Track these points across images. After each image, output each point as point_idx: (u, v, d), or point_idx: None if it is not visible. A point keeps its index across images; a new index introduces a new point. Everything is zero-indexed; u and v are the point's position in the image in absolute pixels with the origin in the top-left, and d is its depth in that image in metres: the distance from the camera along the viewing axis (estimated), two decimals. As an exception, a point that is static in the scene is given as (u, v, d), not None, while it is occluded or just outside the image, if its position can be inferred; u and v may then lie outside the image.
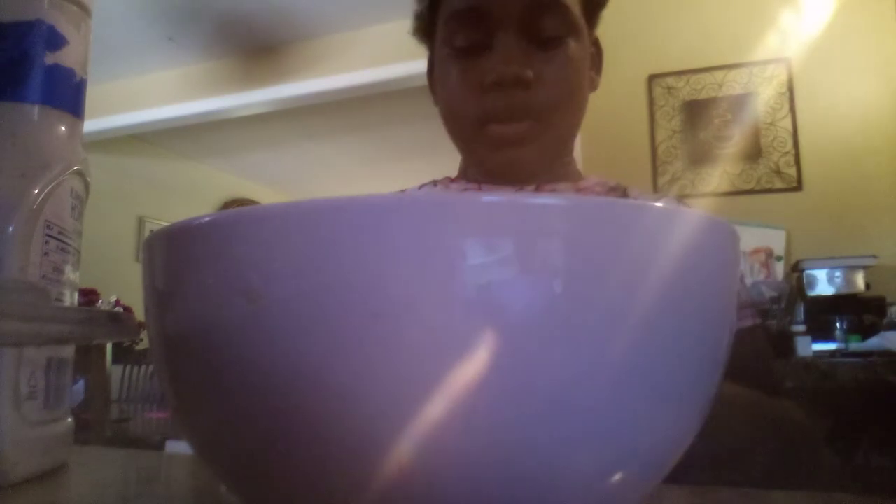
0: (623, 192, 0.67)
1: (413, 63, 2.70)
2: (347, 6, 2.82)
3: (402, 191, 0.61)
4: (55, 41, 0.32)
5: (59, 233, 0.32)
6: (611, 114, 2.34)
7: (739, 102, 2.20)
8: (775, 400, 0.56)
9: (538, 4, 0.59)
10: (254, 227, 0.14)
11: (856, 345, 1.65)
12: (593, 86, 0.67)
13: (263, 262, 0.14)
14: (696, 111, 2.25)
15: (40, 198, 0.30)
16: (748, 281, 1.89)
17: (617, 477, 0.15)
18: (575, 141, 0.68)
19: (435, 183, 0.70)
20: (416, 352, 0.13)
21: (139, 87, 3.48)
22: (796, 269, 1.89)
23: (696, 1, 2.31)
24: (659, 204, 0.15)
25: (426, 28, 0.68)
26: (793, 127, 2.14)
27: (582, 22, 0.62)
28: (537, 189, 0.63)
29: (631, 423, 0.15)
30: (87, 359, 2.10)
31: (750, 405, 0.50)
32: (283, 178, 5.19)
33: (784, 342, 1.60)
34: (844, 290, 1.78)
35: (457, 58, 0.61)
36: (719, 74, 2.23)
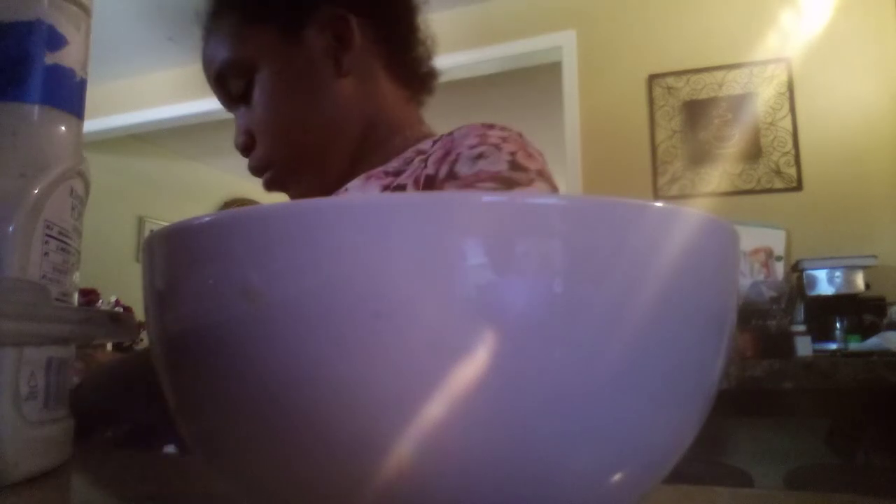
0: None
1: (413, 63, 2.69)
2: (347, 6, 2.82)
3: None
4: (55, 41, 0.32)
5: (59, 233, 0.32)
6: (611, 114, 2.34)
7: (739, 102, 2.20)
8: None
9: (216, 78, 0.65)
10: (254, 227, 0.14)
11: (856, 345, 1.65)
12: (346, 68, 0.64)
13: (263, 262, 0.14)
14: (696, 111, 2.25)
15: (40, 198, 0.30)
16: (748, 281, 1.89)
17: (617, 477, 0.15)
18: (372, 137, 0.65)
19: None
20: (416, 351, 0.13)
21: (139, 87, 3.49)
22: (796, 269, 1.90)
23: (696, 1, 2.32)
24: (659, 204, 0.15)
25: None
26: (793, 127, 2.14)
27: (269, 56, 0.62)
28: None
29: (631, 423, 0.15)
30: (87, 359, 2.10)
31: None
32: (283, 178, 5.18)
33: (784, 342, 1.60)
34: (844, 290, 1.79)
35: None
36: (719, 74, 2.23)
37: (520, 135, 0.58)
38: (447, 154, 0.55)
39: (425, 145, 0.61)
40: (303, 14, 0.63)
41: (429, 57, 0.70)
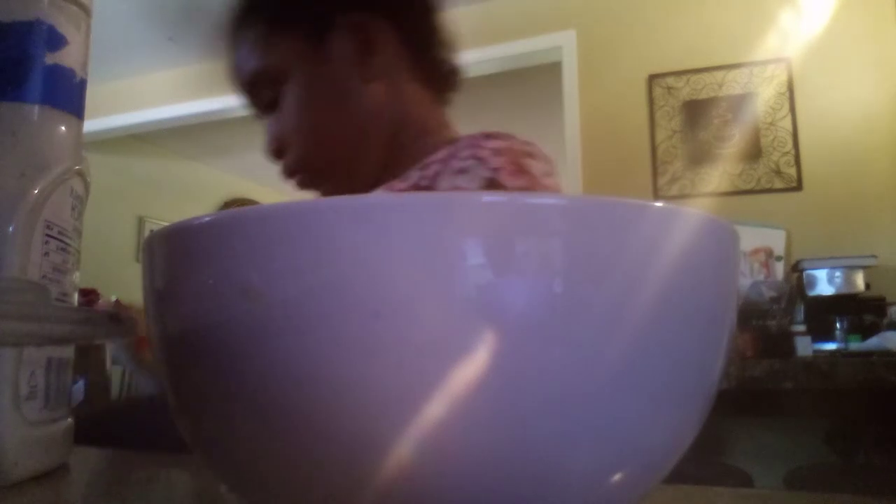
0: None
1: (413, 63, 2.68)
2: (347, 6, 2.82)
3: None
4: (55, 41, 0.32)
5: (59, 233, 0.32)
6: (611, 114, 2.34)
7: (739, 102, 2.20)
8: None
9: (245, 86, 0.66)
10: (254, 227, 0.14)
11: (856, 345, 1.65)
12: (375, 72, 0.64)
13: (263, 261, 0.14)
14: (696, 111, 2.25)
15: (40, 198, 0.30)
16: (748, 281, 1.90)
17: (617, 477, 0.15)
18: (420, 130, 0.66)
19: None
20: (417, 351, 0.13)
21: (139, 87, 3.48)
22: (796, 269, 1.90)
23: (696, 1, 2.32)
24: (659, 204, 0.15)
25: None
26: (793, 127, 2.14)
27: (295, 65, 0.63)
28: None
29: (631, 423, 0.15)
30: (87, 359, 2.10)
31: None
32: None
33: (784, 342, 1.60)
34: (844, 290, 1.79)
35: None
36: (719, 74, 2.23)
37: (524, 145, 0.58)
38: (444, 166, 0.56)
39: (441, 153, 0.61)
40: (326, 20, 0.63)
41: (452, 55, 0.70)
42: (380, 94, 0.64)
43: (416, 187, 0.56)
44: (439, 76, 0.69)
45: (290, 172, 0.66)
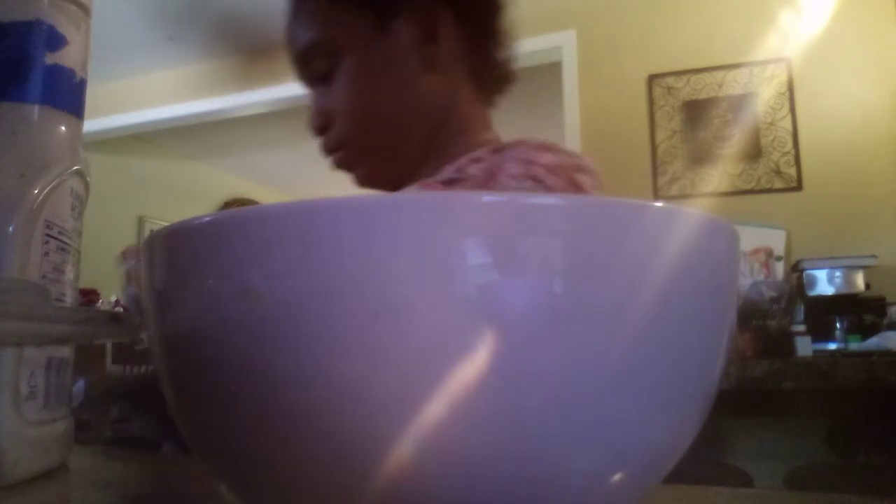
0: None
1: (413, 63, 2.68)
2: (347, 6, 2.82)
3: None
4: (55, 41, 0.32)
5: (59, 233, 0.32)
6: (611, 114, 2.34)
7: (739, 102, 2.20)
8: None
9: (301, 55, 0.65)
10: (254, 227, 0.14)
11: (856, 345, 1.65)
12: (435, 62, 0.63)
13: (263, 262, 0.14)
14: (696, 111, 2.25)
15: (40, 198, 0.30)
16: (748, 281, 1.90)
17: (617, 477, 0.15)
18: (463, 126, 0.65)
19: None
20: (417, 351, 0.13)
21: (139, 87, 3.48)
22: (796, 269, 1.90)
23: (696, 1, 2.32)
24: (659, 204, 0.15)
25: None
26: (793, 127, 2.14)
27: (357, 41, 0.62)
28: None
29: (631, 423, 0.15)
30: (87, 359, 2.10)
31: None
32: (283, 178, 5.19)
33: (784, 342, 1.60)
34: (844, 290, 1.79)
35: None
36: (719, 74, 2.23)
37: (573, 159, 0.58)
38: (489, 178, 0.56)
39: (481, 153, 0.61)
40: (396, 4, 0.63)
41: (508, 60, 0.70)
42: (434, 85, 0.64)
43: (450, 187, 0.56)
44: (491, 76, 0.69)
45: (329, 149, 0.66)
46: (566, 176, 0.55)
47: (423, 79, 0.63)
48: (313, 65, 0.64)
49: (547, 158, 0.56)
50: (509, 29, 0.69)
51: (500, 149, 0.60)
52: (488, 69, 0.68)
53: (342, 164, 0.66)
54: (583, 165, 0.58)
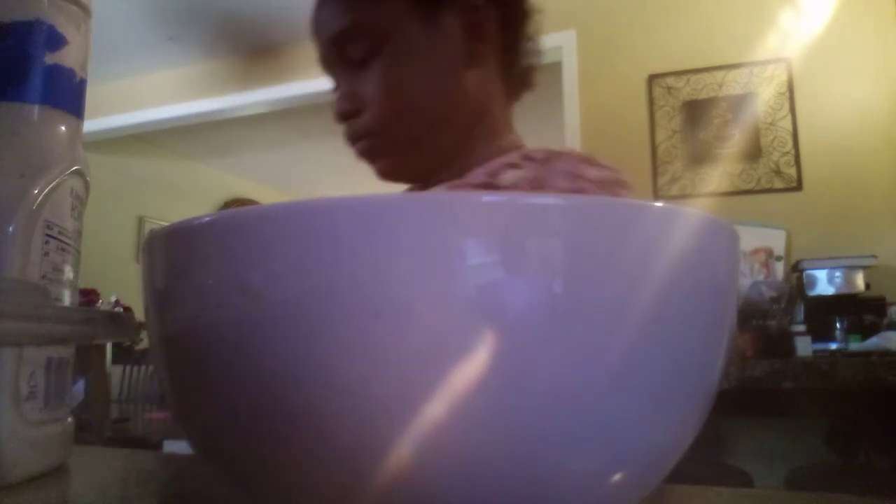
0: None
1: (413, 63, 2.68)
2: (347, 6, 2.82)
3: None
4: (55, 41, 0.32)
5: (59, 233, 0.32)
6: (611, 114, 2.34)
7: (739, 102, 2.20)
8: None
9: (337, 37, 0.62)
10: (254, 227, 0.14)
11: (856, 345, 1.65)
12: (477, 58, 0.63)
13: (263, 261, 0.14)
14: (696, 111, 2.25)
15: (40, 198, 0.30)
16: (748, 281, 1.90)
17: (617, 477, 0.15)
18: (492, 127, 0.65)
19: None
20: (417, 351, 0.13)
21: (139, 87, 3.49)
22: (796, 269, 1.90)
23: (696, 1, 2.32)
24: (659, 204, 0.15)
25: None
26: (793, 127, 2.14)
27: (401, 26, 0.61)
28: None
29: (631, 423, 0.15)
30: (87, 359, 2.10)
31: None
32: (283, 178, 5.19)
33: (784, 342, 1.60)
34: (844, 290, 1.79)
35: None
36: (719, 74, 2.23)
37: (616, 173, 0.58)
38: (533, 184, 0.55)
39: (513, 157, 0.60)
40: (440, 5, 0.62)
41: (535, 67, 0.70)
42: (475, 82, 0.63)
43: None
44: (520, 75, 0.69)
45: (356, 136, 0.63)
46: (611, 190, 0.55)
47: (465, 74, 0.62)
48: (350, 48, 0.62)
49: (593, 173, 0.56)
50: (536, 35, 0.68)
51: (535, 156, 0.59)
52: (517, 73, 0.68)
53: (367, 153, 0.64)
54: (622, 179, 0.58)
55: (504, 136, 0.66)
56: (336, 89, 0.65)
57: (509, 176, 0.57)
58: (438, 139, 0.63)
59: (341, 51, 0.62)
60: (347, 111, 0.63)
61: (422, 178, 0.64)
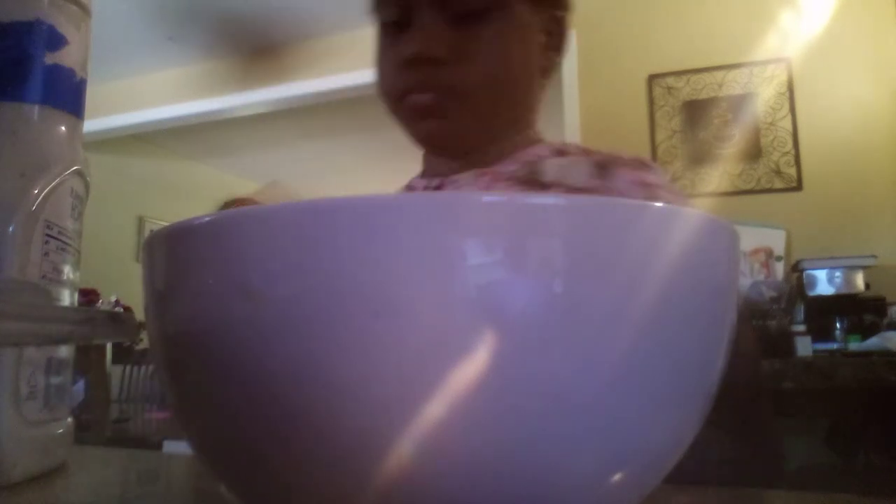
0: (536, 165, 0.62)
1: (413, 63, 2.69)
2: (347, 6, 2.82)
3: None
4: (55, 41, 0.32)
5: (59, 233, 0.32)
6: (611, 114, 2.34)
7: (739, 102, 2.20)
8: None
9: None
10: (254, 227, 0.14)
11: (856, 345, 1.65)
12: (549, 66, 0.64)
13: (263, 261, 0.14)
14: (696, 111, 2.25)
15: (40, 198, 0.30)
16: (748, 281, 1.89)
17: (617, 477, 0.15)
18: (529, 120, 0.66)
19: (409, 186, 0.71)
20: (417, 351, 0.13)
21: (139, 87, 3.48)
22: (796, 269, 1.89)
23: (696, 1, 2.31)
24: (659, 204, 0.15)
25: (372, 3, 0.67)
26: (793, 127, 2.14)
27: (522, 3, 0.61)
28: (465, 167, 0.62)
29: (631, 423, 0.15)
30: (87, 359, 2.10)
31: None
32: (283, 178, 5.19)
33: (784, 342, 1.60)
34: (844, 290, 1.79)
35: (384, 32, 0.62)
36: (719, 74, 2.23)
37: (663, 176, 0.60)
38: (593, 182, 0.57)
39: (542, 150, 0.61)
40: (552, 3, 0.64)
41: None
42: (539, 85, 0.65)
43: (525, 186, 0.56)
44: (551, 76, 0.71)
45: (432, 86, 0.59)
46: (676, 193, 0.57)
47: (547, 63, 0.64)
48: None
49: (653, 178, 0.57)
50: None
51: (568, 150, 0.61)
52: (552, 78, 0.70)
53: (432, 107, 0.59)
54: (668, 181, 0.60)
55: (531, 129, 0.67)
56: (409, 26, 0.60)
57: (551, 172, 0.58)
58: (505, 117, 0.63)
59: None
60: (439, 57, 0.57)
61: (462, 154, 0.63)
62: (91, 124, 3.30)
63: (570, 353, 0.14)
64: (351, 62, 3.00)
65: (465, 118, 0.60)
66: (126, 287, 2.91)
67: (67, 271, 0.32)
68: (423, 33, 0.58)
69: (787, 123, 2.15)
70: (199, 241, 0.16)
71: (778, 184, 2.13)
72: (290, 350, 0.14)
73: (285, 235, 0.14)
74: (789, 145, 2.14)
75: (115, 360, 2.53)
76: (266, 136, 4.14)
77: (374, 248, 0.13)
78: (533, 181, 0.58)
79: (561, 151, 0.61)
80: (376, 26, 0.64)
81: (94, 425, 2.04)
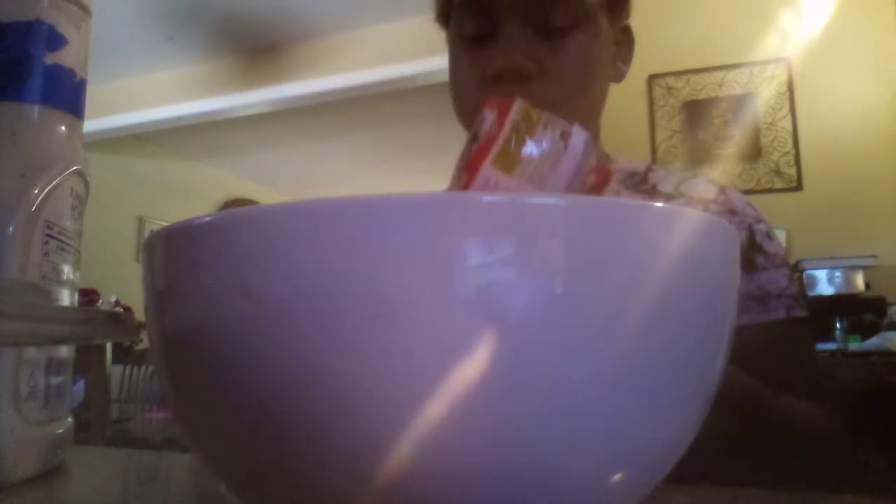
0: (643, 177, 0.67)
1: (413, 63, 2.69)
2: (347, 6, 2.82)
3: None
4: (55, 41, 0.32)
5: (59, 233, 0.32)
6: (611, 114, 2.34)
7: (739, 102, 2.20)
8: (782, 398, 0.56)
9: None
10: (254, 227, 0.14)
11: (856, 345, 1.65)
12: (618, 77, 0.66)
13: (263, 262, 0.14)
14: (696, 111, 2.25)
15: (40, 198, 0.30)
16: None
17: (617, 477, 0.15)
18: (598, 133, 0.68)
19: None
20: (416, 352, 0.13)
21: (139, 87, 3.49)
22: (796, 269, 1.89)
23: (696, 1, 2.31)
24: (659, 204, 0.15)
25: (444, 14, 0.67)
26: (793, 127, 2.14)
27: (599, 12, 0.61)
28: None
29: (631, 423, 0.15)
30: (87, 359, 2.10)
31: (745, 398, 0.51)
32: (283, 178, 5.19)
33: (784, 342, 1.60)
34: (844, 290, 1.78)
35: (464, 46, 0.62)
36: (719, 74, 2.23)
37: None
38: (730, 214, 0.61)
39: (625, 165, 0.65)
40: (621, 5, 0.64)
41: None
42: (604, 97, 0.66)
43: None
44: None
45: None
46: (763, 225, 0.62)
47: (617, 74, 0.66)
48: (557, 12, 0.58)
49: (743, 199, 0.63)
50: None
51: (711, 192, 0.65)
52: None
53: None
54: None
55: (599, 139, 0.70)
56: (491, 41, 0.59)
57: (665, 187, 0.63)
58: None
59: (545, 11, 0.58)
60: (522, 71, 0.57)
61: None
62: (91, 124, 3.30)
63: (570, 352, 0.14)
64: (351, 62, 3.00)
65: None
66: (126, 287, 2.91)
67: (67, 271, 0.32)
68: (510, 48, 0.58)
69: (787, 123, 2.15)
70: (199, 242, 0.16)
71: (778, 184, 2.13)
72: (289, 350, 0.14)
73: (285, 235, 0.14)
74: (789, 145, 2.14)
75: (115, 360, 2.53)
76: (266, 136, 4.14)
77: (374, 248, 0.13)
78: (648, 191, 0.61)
79: (649, 168, 0.65)
80: (452, 41, 0.64)
81: (94, 425, 2.04)
